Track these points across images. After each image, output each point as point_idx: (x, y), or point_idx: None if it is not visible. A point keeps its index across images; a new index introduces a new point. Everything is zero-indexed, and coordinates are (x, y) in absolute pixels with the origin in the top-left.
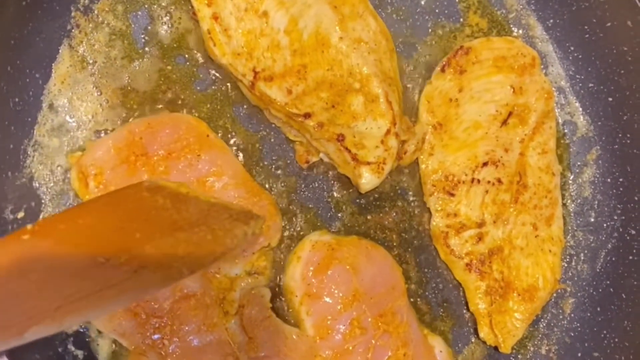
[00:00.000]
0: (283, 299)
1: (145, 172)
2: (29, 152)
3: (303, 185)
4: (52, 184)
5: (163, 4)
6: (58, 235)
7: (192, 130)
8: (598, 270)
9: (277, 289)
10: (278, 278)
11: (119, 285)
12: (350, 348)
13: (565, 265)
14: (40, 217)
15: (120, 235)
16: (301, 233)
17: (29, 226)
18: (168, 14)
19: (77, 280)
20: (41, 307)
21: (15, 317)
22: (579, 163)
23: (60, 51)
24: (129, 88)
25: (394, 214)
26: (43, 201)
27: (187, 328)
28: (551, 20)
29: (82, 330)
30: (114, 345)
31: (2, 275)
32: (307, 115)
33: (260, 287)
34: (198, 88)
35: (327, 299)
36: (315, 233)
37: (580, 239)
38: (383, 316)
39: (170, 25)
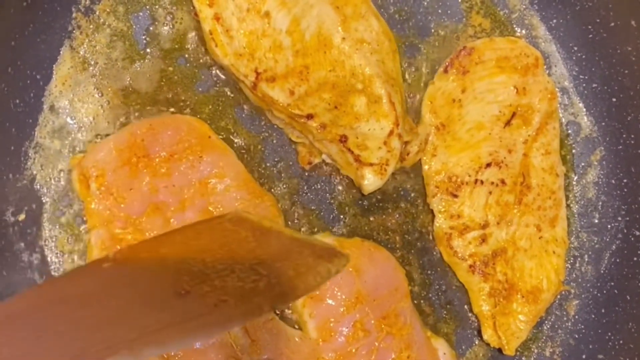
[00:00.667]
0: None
1: (147, 174)
2: (30, 154)
3: (305, 187)
4: (53, 186)
5: (164, 5)
6: (139, 265)
7: (193, 132)
8: (602, 271)
9: None
10: None
11: (200, 318)
12: (354, 350)
13: (569, 266)
14: (42, 219)
15: (203, 266)
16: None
17: (110, 254)
18: (169, 15)
19: (157, 311)
20: (119, 336)
21: (92, 346)
22: (582, 164)
23: (61, 52)
24: (130, 89)
25: (397, 216)
26: (44, 203)
27: None
28: (554, 20)
29: None
30: None
31: (81, 302)
32: (310, 117)
33: None
34: (200, 89)
35: (330, 301)
36: (317, 235)
37: (584, 240)
38: (386, 318)
39: (171, 26)
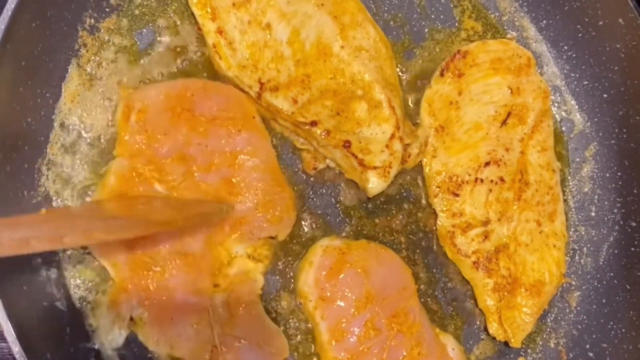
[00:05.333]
0: (297, 302)
1: (185, 126)
2: (43, 171)
3: (311, 193)
4: (67, 202)
5: (167, 21)
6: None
7: (241, 106)
8: (601, 263)
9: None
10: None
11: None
12: (366, 350)
13: (569, 259)
14: None
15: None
16: (311, 239)
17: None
18: (172, 30)
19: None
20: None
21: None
22: (577, 159)
23: (69, 70)
24: None
25: (401, 217)
26: None
27: (175, 280)
28: (544, 21)
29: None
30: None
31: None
32: (314, 124)
33: (256, 272)
34: None
35: (341, 303)
36: (325, 238)
37: (583, 233)
38: (396, 317)
39: (175, 41)
